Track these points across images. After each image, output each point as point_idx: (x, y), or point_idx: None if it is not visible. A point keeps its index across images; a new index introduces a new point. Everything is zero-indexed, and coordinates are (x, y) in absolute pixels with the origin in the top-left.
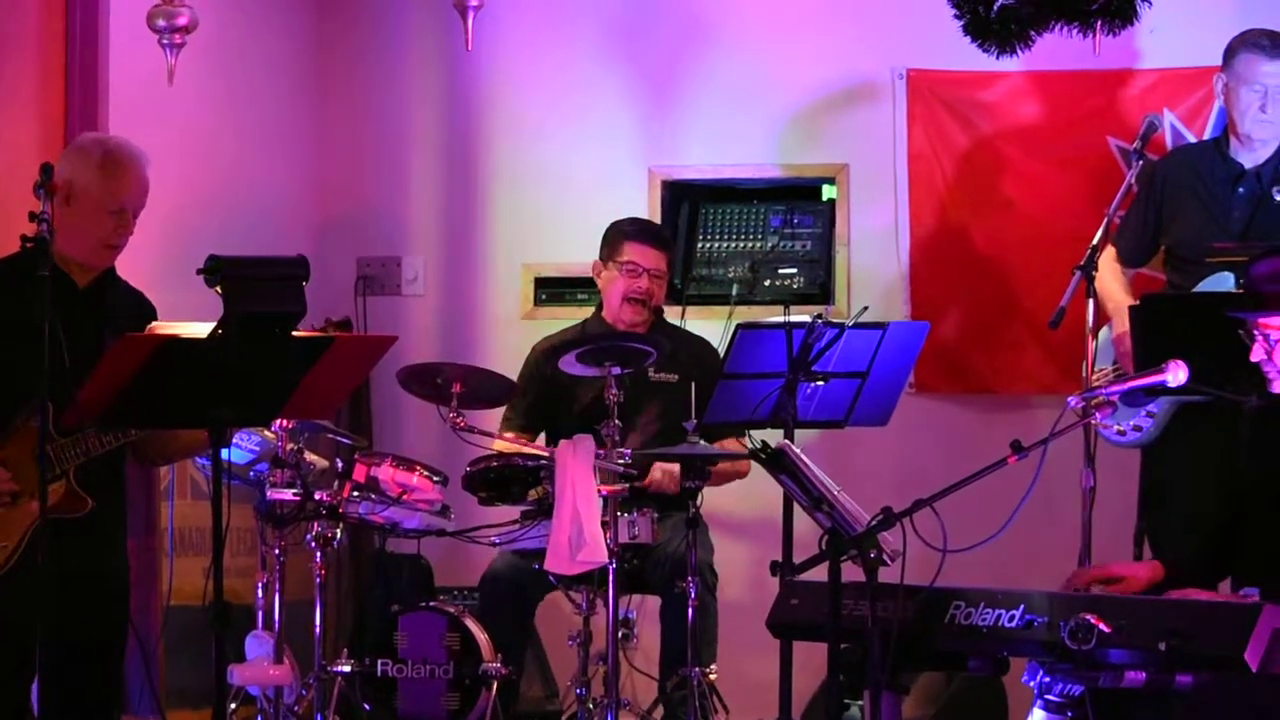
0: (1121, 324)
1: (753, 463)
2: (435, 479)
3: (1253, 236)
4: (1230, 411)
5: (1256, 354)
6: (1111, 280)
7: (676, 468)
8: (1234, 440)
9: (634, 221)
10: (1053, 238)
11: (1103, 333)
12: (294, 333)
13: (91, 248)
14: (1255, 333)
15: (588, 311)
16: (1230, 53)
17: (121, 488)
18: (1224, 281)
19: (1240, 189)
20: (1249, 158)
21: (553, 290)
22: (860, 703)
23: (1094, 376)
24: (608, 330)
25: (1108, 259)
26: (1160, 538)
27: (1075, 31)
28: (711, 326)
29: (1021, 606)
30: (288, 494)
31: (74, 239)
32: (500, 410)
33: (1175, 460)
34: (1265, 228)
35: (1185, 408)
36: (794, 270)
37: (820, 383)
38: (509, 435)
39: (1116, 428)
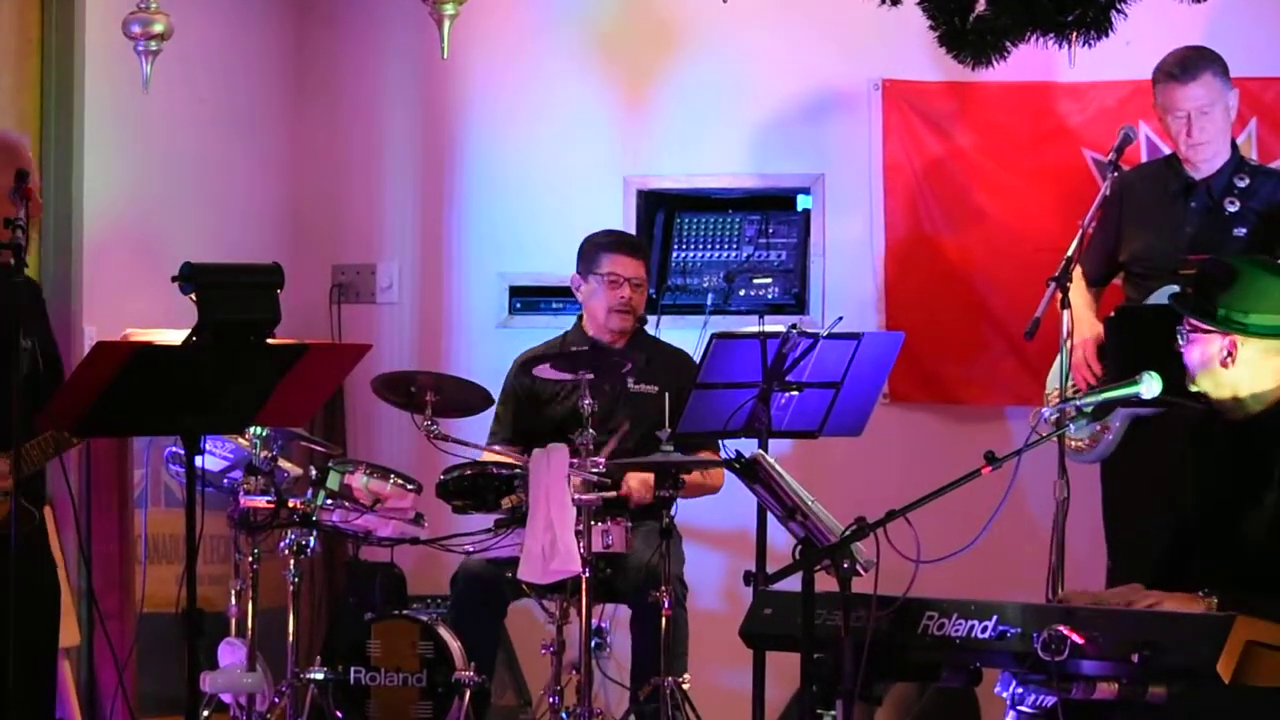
0: (1079, 334)
1: (725, 476)
2: (409, 487)
3: (1200, 249)
4: (1176, 427)
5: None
6: (1074, 295)
7: (650, 475)
8: (1179, 457)
9: (609, 233)
10: (1027, 249)
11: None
12: (268, 340)
13: None
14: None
15: (563, 321)
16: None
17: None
18: None
19: (1192, 202)
20: (1198, 171)
21: (528, 299)
22: (833, 713)
23: (1064, 391)
24: (588, 342)
25: (1077, 276)
26: (1116, 554)
27: (1050, 43)
28: (686, 336)
29: (995, 617)
30: (261, 501)
31: None
32: (475, 419)
33: (1127, 475)
34: (1211, 240)
35: (1138, 421)
36: (769, 280)
37: (794, 393)
38: (497, 447)
39: (1074, 443)
